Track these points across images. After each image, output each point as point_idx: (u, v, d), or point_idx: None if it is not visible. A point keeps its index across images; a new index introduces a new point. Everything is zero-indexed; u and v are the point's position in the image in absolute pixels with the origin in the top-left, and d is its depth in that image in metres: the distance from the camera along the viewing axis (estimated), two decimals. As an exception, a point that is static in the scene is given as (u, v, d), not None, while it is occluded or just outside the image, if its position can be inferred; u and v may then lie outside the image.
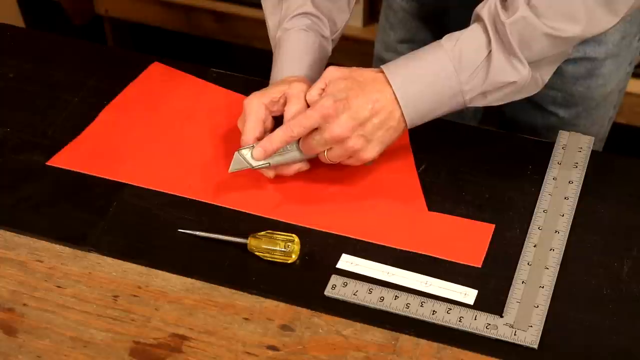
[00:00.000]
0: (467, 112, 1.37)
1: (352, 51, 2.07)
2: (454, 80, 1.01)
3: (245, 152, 1.04)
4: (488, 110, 1.10)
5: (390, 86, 1.02)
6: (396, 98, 1.02)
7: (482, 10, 1.01)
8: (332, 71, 1.04)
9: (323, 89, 1.04)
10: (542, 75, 1.03)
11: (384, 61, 1.32)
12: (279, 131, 1.03)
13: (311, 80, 1.08)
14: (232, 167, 1.04)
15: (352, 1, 1.18)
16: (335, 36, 1.17)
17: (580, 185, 1.07)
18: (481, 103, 1.04)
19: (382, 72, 1.03)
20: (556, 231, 1.02)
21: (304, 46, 1.11)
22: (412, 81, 1.02)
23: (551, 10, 0.98)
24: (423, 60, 1.03)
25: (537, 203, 1.05)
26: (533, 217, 1.03)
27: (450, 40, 1.02)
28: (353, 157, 1.04)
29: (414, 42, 1.31)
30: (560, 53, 1.03)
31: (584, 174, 1.09)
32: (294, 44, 1.11)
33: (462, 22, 1.24)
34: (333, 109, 1.00)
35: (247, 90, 1.21)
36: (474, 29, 1.02)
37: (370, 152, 1.03)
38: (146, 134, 1.16)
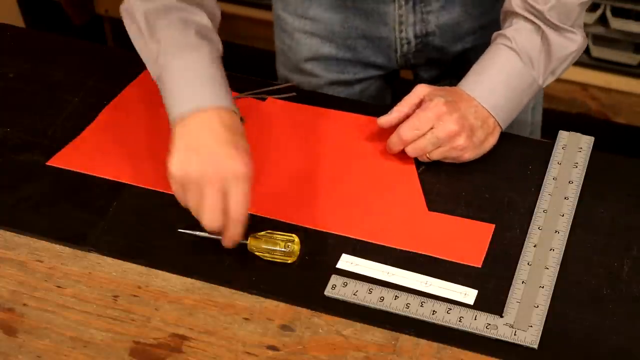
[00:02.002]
0: (376, 99, 1.37)
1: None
2: (526, 73, 1.09)
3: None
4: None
5: (476, 99, 1.08)
6: (485, 108, 1.08)
7: (512, 5, 1.09)
8: (424, 87, 1.10)
9: (416, 104, 1.08)
10: (582, 29, 1.12)
11: (291, 81, 1.31)
12: (393, 139, 1.08)
13: (229, 101, 1.01)
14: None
15: None
16: (217, 22, 1.10)
17: (580, 185, 1.07)
18: (552, 79, 1.12)
19: (462, 91, 1.09)
20: (556, 231, 1.02)
21: (201, 67, 1.02)
22: (493, 91, 1.09)
23: None
24: (493, 69, 1.09)
25: (537, 203, 1.05)
26: (533, 217, 1.03)
27: (504, 40, 1.09)
28: (455, 157, 1.08)
29: (318, 59, 1.30)
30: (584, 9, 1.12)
31: (584, 174, 1.09)
32: (183, 69, 1.01)
33: (362, 30, 1.25)
34: (446, 108, 1.05)
35: (247, 90, 1.22)
36: (516, 23, 1.10)
37: (471, 154, 1.08)
38: (146, 134, 1.16)
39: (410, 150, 1.08)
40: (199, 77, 1.01)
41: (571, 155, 1.11)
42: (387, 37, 1.25)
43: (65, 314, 0.95)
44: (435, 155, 1.08)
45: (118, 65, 1.28)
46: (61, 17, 2.55)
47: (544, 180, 1.08)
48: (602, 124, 2.06)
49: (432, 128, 1.06)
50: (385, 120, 1.10)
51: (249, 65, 1.53)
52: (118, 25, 2.54)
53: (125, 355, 0.91)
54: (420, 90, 1.09)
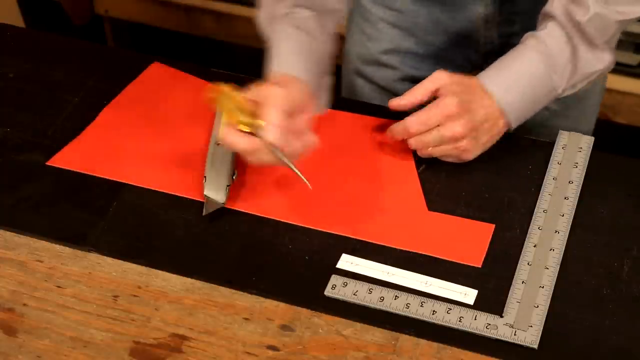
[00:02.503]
0: None
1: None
2: (548, 79, 1.08)
3: (209, 194, 1.04)
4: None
5: (492, 95, 1.07)
6: (499, 106, 1.07)
7: (552, 9, 1.08)
8: (442, 74, 1.08)
9: (432, 91, 1.07)
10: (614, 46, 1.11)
11: (363, 74, 1.33)
12: (397, 126, 1.08)
13: (303, 75, 1.06)
14: (206, 211, 1.04)
15: None
16: (334, 28, 1.15)
17: (580, 185, 1.07)
18: (570, 92, 1.11)
19: (481, 83, 1.08)
20: (556, 231, 1.02)
21: (287, 45, 1.10)
22: (511, 88, 1.08)
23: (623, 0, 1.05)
24: (515, 66, 1.09)
25: (537, 203, 1.05)
26: (533, 217, 1.03)
27: (534, 41, 1.08)
28: (455, 157, 1.08)
29: (398, 52, 1.30)
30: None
31: (584, 174, 1.09)
32: (277, 44, 1.10)
33: (446, 26, 1.25)
34: (457, 109, 1.05)
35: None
36: (551, 27, 1.08)
37: (474, 154, 1.09)
38: (146, 134, 1.16)
39: (413, 142, 1.08)
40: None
41: (571, 155, 1.11)
42: (470, 35, 1.25)
43: (65, 314, 0.95)
44: (437, 151, 1.08)
45: (118, 65, 1.28)
46: (61, 17, 2.55)
47: (544, 180, 1.08)
48: (602, 124, 2.05)
49: (439, 125, 1.06)
50: (396, 103, 1.09)
51: (249, 65, 1.53)
52: (118, 25, 2.56)
53: (125, 355, 0.91)
54: (438, 77, 1.08)
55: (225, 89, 1.00)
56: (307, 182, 1.00)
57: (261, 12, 1.16)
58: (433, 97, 1.08)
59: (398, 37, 1.29)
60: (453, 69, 1.29)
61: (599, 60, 1.09)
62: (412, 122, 1.07)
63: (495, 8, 1.22)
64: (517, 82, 1.08)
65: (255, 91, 1.01)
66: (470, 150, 1.08)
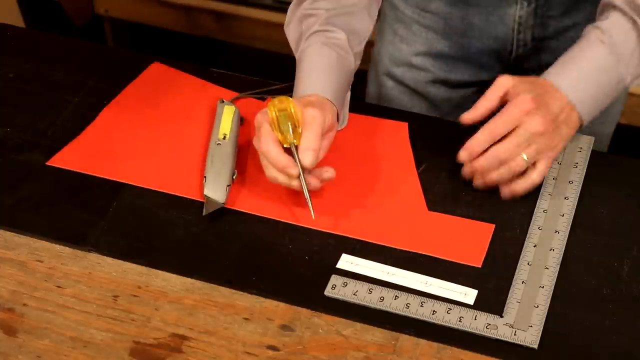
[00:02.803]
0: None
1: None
2: (615, 70, 1.06)
3: (209, 194, 1.04)
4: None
5: (560, 90, 1.04)
6: (570, 100, 1.04)
7: None
8: (507, 78, 1.05)
9: (501, 96, 1.04)
10: None
11: (393, 75, 1.33)
12: (480, 135, 1.02)
13: (332, 95, 1.07)
14: (206, 211, 1.04)
15: (373, 10, 1.17)
16: (360, 48, 1.16)
17: (580, 185, 1.07)
18: (638, 81, 1.08)
19: (549, 81, 1.05)
20: (556, 231, 1.02)
21: (320, 62, 1.11)
22: (579, 83, 1.05)
23: None
24: (582, 60, 1.06)
25: (537, 203, 1.05)
26: (533, 217, 1.03)
27: (598, 33, 1.06)
28: (548, 153, 1.03)
29: (431, 54, 1.31)
30: None
31: (584, 174, 1.09)
32: (309, 61, 1.11)
33: (480, 29, 1.24)
34: (533, 104, 1.02)
35: (247, 90, 1.22)
36: (614, 17, 1.06)
37: (563, 145, 1.05)
38: (146, 134, 1.16)
39: (499, 150, 1.01)
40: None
41: (571, 155, 1.11)
42: (503, 38, 1.25)
43: (65, 314, 0.95)
44: (532, 153, 1.02)
45: (118, 65, 1.28)
46: (61, 17, 2.55)
47: (544, 180, 1.08)
48: (602, 124, 2.05)
49: (519, 126, 1.01)
50: (469, 116, 1.05)
51: (249, 65, 1.53)
52: (118, 25, 2.56)
53: (125, 355, 0.91)
54: (503, 81, 1.05)
55: (287, 101, 1.01)
56: (312, 210, 1.01)
57: (290, 27, 1.16)
58: (501, 105, 1.05)
59: (431, 40, 1.30)
60: (485, 73, 1.30)
61: None
62: (495, 126, 1.02)
63: (529, 12, 1.21)
64: (584, 76, 1.05)
65: (298, 107, 1.02)
66: (558, 146, 1.04)
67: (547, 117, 1.02)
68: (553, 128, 1.03)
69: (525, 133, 1.02)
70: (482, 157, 1.03)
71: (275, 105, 1.01)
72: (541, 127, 1.02)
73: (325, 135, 1.03)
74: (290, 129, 1.01)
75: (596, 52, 1.06)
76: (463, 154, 1.03)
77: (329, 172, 1.03)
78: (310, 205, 1.01)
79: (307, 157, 1.00)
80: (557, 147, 1.05)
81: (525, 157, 1.02)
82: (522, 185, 1.04)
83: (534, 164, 1.04)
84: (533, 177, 1.04)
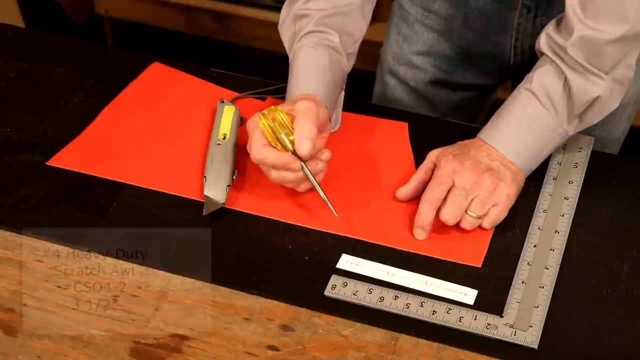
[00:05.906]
0: (470, 112, 1.37)
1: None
2: (546, 116, 1.04)
3: (209, 194, 1.04)
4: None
5: (491, 146, 1.04)
6: (503, 154, 1.03)
7: (540, 44, 1.05)
8: (435, 150, 1.06)
9: (431, 168, 1.04)
10: (624, 73, 1.04)
11: (395, 74, 1.33)
12: (422, 207, 1.01)
13: (324, 96, 1.07)
14: (206, 211, 1.04)
15: (367, 10, 1.17)
16: (353, 49, 1.16)
17: (580, 185, 1.07)
18: (582, 127, 1.06)
19: (478, 139, 1.06)
20: (556, 231, 1.02)
21: (312, 63, 1.10)
22: (509, 134, 1.04)
23: (605, 18, 0.99)
24: (510, 113, 1.05)
25: (537, 203, 1.05)
26: (533, 217, 1.03)
27: (526, 82, 1.05)
28: (493, 199, 1.01)
29: (431, 55, 1.31)
30: (630, 49, 1.03)
31: (584, 174, 1.09)
32: (302, 62, 1.11)
33: (480, 33, 1.24)
34: (457, 162, 1.01)
35: (247, 90, 1.22)
36: (541, 63, 1.05)
37: (508, 187, 1.02)
38: (146, 134, 1.16)
39: (446, 214, 1.01)
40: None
41: (571, 155, 1.11)
42: (502, 44, 1.25)
43: (65, 314, 0.95)
44: (476, 208, 1.01)
45: (118, 65, 1.28)
46: (61, 17, 2.55)
47: (544, 180, 1.08)
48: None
49: (453, 187, 1.01)
50: (405, 190, 1.05)
51: (249, 65, 1.53)
52: (118, 25, 2.56)
53: (125, 355, 0.91)
54: (431, 154, 1.06)
55: (276, 111, 1.01)
56: (332, 208, 1.01)
57: (284, 27, 1.16)
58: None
59: (432, 40, 1.30)
60: (485, 78, 1.29)
61: (593, 85, 1.02)
62: (430, 196, 1.01)
63: (529, 20, 1.21)
64: (513, 128, 1.04)
65: (289, 106, 1.03)
66: (501, 183, 1.01)
67: (476, 167, 1.01)
68: (488, 175, 1.01)
69: (460, 192, 1.01)
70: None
71: (265, 117, 1.00)
72: (472, 178, 1.01)
73: (319, 133, 1.02)
74: (286, 138, 1.00)
75: (523, 102, 1.04)
76: (420, 234, 1.02)
77: (325, 153, 1.03)
78: (330, 205, 1.01)
79: (303, 145, 0.99)
80: (503, 193, 1.01)
81: (473, 214, 1.01)
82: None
83: (487, 214, 1.02)
84: (484, 225, 1.02)
